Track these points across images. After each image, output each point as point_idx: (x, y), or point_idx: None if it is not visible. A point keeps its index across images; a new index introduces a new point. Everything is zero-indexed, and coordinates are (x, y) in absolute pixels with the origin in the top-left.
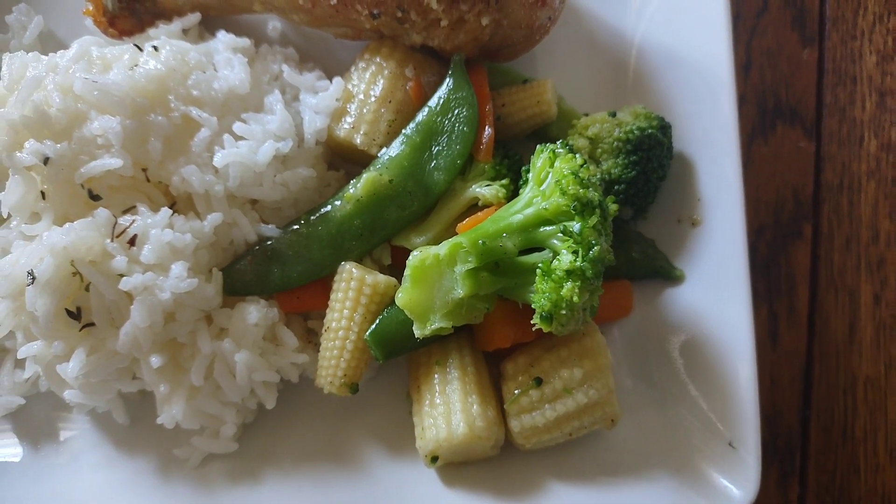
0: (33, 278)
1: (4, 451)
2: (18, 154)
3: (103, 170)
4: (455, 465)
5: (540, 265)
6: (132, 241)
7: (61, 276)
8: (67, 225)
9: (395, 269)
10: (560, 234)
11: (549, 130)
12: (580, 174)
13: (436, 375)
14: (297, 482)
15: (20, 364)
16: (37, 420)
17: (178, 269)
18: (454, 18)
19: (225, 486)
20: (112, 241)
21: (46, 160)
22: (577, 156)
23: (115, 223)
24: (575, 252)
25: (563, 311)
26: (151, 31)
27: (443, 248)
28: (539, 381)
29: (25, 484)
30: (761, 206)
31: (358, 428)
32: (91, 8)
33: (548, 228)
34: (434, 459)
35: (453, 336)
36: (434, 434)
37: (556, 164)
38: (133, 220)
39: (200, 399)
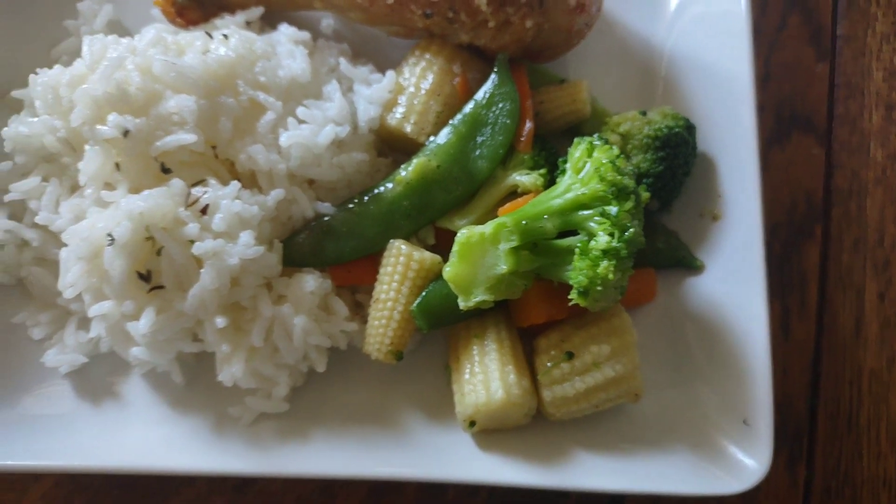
0: (112, 240)
1: (67, 406)
2: (100, 127)
3: (178, 144)
4: (489, 432)
5: (578, 245)
6: (204, 210)
7: (136, 239)
8: (145, 192)
9: (438, 248)
10: (597, 218)
11: (582, 127)
12: (617, 163)
13: (474, 347)
14: (344, 441)
15: (82, 325)
16: (95, 381)
17: (245, 237)
18: (501, 20)
19: (276, 442)
20: (185, 209)
21: (126, 133)
22: (614, 147)
23: (189, 193)
24: (611, 234)
25: (599, 288)
26: (217, 22)
27: (488, 228)
28: (570, 355)
29: (88, 437)
30: (776, 207)
31: (398, 395)
32: None
33: (585, 212)
34: (472, 424)
35: (490, 312)
36: (473, 399)
37: (595, 154)
38: (205, 191)
39: (258, 360)
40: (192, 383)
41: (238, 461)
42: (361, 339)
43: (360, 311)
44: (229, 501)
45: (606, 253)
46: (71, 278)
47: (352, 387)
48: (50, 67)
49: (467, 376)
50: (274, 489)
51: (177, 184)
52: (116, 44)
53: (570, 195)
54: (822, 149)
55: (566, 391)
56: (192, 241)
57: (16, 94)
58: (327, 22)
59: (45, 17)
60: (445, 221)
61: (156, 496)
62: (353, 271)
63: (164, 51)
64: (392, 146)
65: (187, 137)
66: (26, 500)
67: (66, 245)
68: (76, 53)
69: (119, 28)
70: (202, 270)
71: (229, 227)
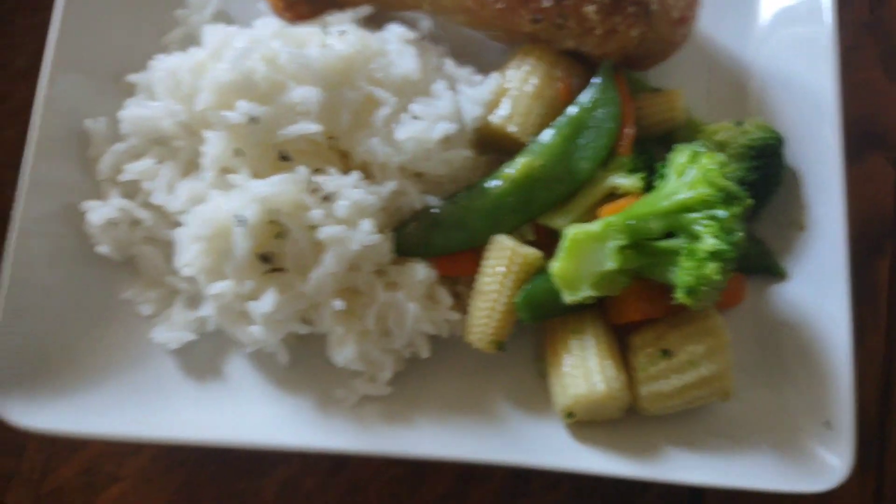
0: (242, 221)
1: (172, 381)
2: (227, 112)
3: (301, 133)
4: (583, 424)
5: (685, 246)
6: (327, 197)
7: (262, 222)
8: (272, 178)
9: (537, 244)
10: (704, 221)
11: (675, 135)
12: (724, 170)
13: (573, 342)
14: (446, 426)
15: (189, 304)
16: (200, 358)
17: (366, 224)
18: (608, 28)
19: (380, 424)
20: (309, 195)
21: (253, 120)
22: (719, 154)
23: (311, 180)
24: (716, 236)
25: (704, 288)
26: (328, 18)
27: (596, 226)
28: (667, 353)
29: (192, 412)
30: (849, 222)
31: (492, 384)
32: None
33: (690, 215)
34: (570, 415)
35: (587, 308)
36: (574, 391)
37: (702, 160)
38: (328, 179)
39: (369, 343)
40: (293, 365)
41: (341, 439)
42: (461, 329)
43: (459, 301)
44: (321, 483)
45: (714, 255)
46: (188, 257)
47: (448, 374)
48: (161, 54)
49: (567, 369)
50: (366, 471)
51: (302, 171)
52: (238, 34)
53: (677, 197)
54: (894, 168)
55: (662, 387)
56: (314, 227)
57: (131, 78)
58: (424, 24)
59: (155, 7)
60: (546, 219)
61: (251, 473)
62: (457, 262)
63: (286, 43)
64: (492, 145)
65: (311, 127)
66: (124, 472)
67: (179, 226)
68: (185, 41)
69: (225, 19)
70: (325, 255)
71: (350, 215)
